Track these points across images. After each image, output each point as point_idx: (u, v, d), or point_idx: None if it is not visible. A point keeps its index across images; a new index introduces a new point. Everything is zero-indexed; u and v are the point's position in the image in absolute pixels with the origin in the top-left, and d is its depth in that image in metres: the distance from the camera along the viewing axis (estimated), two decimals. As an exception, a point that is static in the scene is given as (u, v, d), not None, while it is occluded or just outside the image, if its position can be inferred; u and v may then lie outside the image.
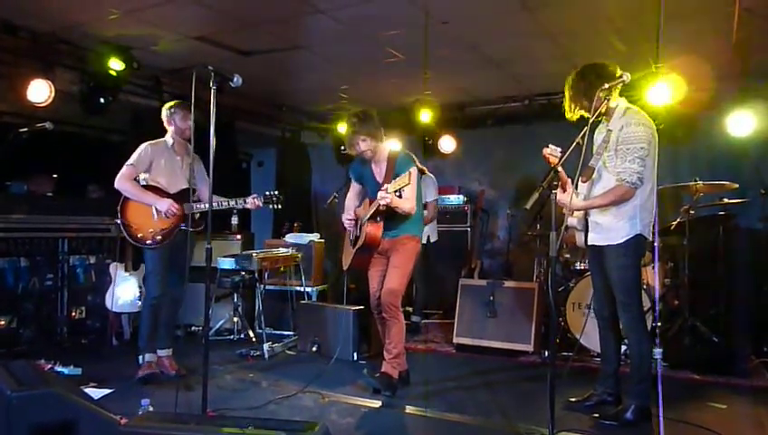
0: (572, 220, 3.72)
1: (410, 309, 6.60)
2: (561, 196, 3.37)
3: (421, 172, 6.39)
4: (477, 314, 5.34)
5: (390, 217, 4.08)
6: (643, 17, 4.50)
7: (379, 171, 4.23)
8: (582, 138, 3.08)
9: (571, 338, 5.09)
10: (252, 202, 4.33)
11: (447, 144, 7.32)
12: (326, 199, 6.96)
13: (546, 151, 3.32)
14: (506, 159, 7.41)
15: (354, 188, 4.48)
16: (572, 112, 3.51)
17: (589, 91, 3.31)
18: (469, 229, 7.23)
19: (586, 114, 3.37)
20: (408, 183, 3.71)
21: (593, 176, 3.49)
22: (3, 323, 5.07)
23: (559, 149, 3.28)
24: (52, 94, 4.93)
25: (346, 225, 4.39)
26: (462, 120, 7.38)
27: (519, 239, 7.09)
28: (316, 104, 7.42)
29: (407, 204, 3.99)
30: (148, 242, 4.29)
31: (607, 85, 3.18)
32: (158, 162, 4.38)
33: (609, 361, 3.76)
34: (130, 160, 4.33)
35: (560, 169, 3.18)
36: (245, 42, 5.15)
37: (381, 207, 3.90)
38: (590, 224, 3.59)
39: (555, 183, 3.10)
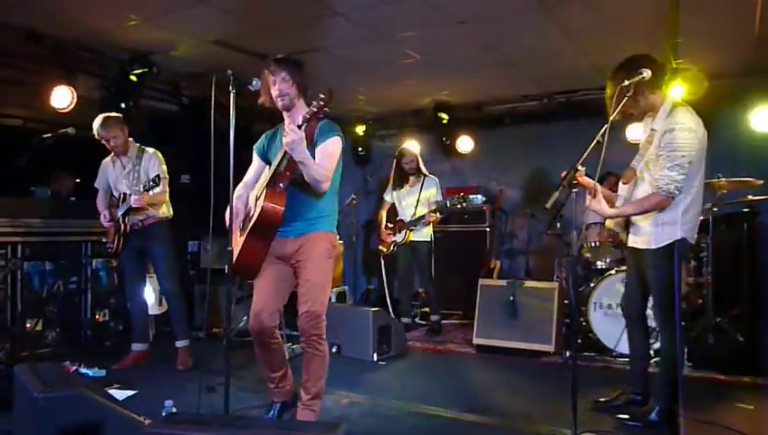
0: (611, 223, 3.61)
1: (427, 309, 6.58)
2: (591, 203, 3.30)
3: (423, 175, 6.31)
4: (497, 314, 5.30)
5: (296, 198, 3.10)
6: (662, 13, 4.46)
7: None
8: (603, 135, 3.05)
9: (592, 338, 5.04)
10: (135, 201, 4.40)
11: (465, 144, 7.30)
12: (344, 201, 6.99)
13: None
14: (525, 158, 7.38)
15: (253, 167, 3.43)
16: (613, 110, 3.24)
17: (634, 88, 3.14)
18: (488, 229, 7.19)
19: (630, 111, 3.27)
20: (329, 100, 2.85)
21: (637, 176, 3.36)
22: (28, 325, 5.15)
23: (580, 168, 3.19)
24: (75, 100, 5.01)
25: (230, 216, 3.13)
26: (479, 119, 7.36)
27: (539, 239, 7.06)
28: (333, 106, 7.42)
29: (320, 170, 3.02)
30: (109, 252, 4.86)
31: (627, 82, 3.13)
32: (107, 175, 4.80)
33: (637, 360, 3.69)
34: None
35: (582, 171, 3.12)
36: (263, 45, 5.18)
37: (287, 148, 2.89)
38: (630, 226, 3.50)
39: (575, 182, 3.07)
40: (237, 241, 3.25)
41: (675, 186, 3.12)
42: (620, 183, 3.41)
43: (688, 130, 3.13)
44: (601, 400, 3.74)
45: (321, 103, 2.83)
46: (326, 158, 3.10)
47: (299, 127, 2.85)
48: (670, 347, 3.37)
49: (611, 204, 3.40)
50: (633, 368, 3.72)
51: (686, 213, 3.23)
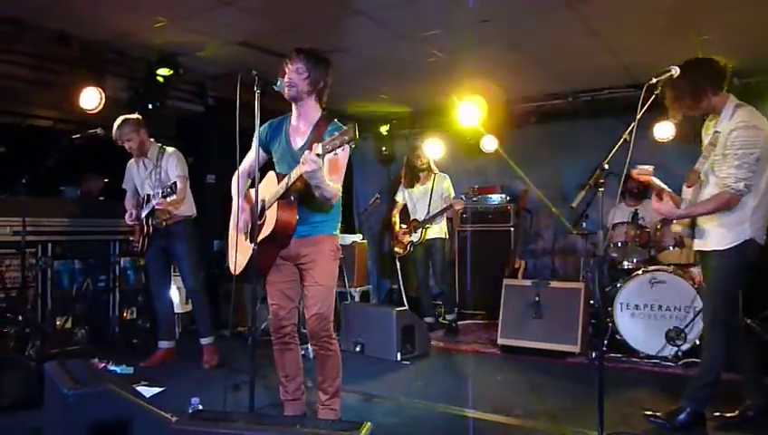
0: (677, 227, 3.51)
1: (441, 310, 6.53)
2: (658, 205, 3.26)
3: (433, 172, 6.25)
4: (522, 314, 5.27)
5: (301, 201, 3.06)
6: (689, 9, 4.38)
7: (301, 136, 3.19)
8: (630, 134, 3.01)
9: (619, 339, 4.98)
10: (156, 203, 4.46)
11: (490, 143, 7.26)
12: (367, 200, 6.99)
13: (634, 173, 3.20)
14: (550, 157, 7.30)
15: (252, 154, 3.22)
16: (675, 113, 3.31)
17: (696, 91, 3.17)
18: (512, 229, 7.14)
19: (691, 113, 3.27)
20: (354, 138, 2.64)
21: (702, 179, 3.28)
22: (58, 323, 5.25)
23: (647, 167, 3.14)
24: (103, 101, 5.08)
25: (240, 215, 3.22)
26: (504, 118, 7.29)
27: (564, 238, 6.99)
28: (357, 105, 7.45)
29: (331, 190, 2.96)
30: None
31: (654, 80, 3.09)
32: (132, 176, 4.89)
33: (745, 370, 3.48)
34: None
35: (649, 170, 3.05)
36: (287, 45, 5.14)
37: (305, 175, 2.79)
38: (696, 229, 3.38)
39: (602, 181, 3.04)
40: (242, 243, 3.20)
41: (744, 183, 3.06)
42: (684, 187, 3.33)
43: (753, 128, 3.09)
44: (727, 415, 3.50)
45: (346, 138, 2.65)
46: (335, 171, 3.03)
47: (318, 155, 2.74)
48: (711, 350, 3.28)
49: (677, 207, 3.34)
50: (745, 379, 3.51)
51: (755, 212, 3.16)
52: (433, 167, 6.27)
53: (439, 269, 6.23)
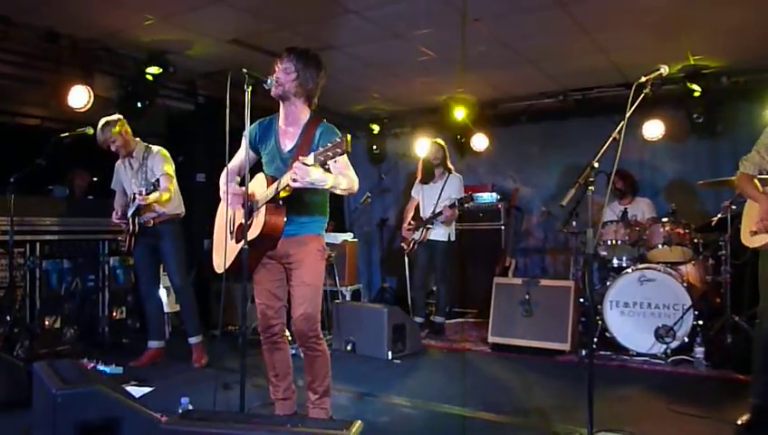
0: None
1: (432, 309, 6.50)
2: None
3: (448, 171, 6.27)
4: (513, 313, 5.28)
5: (290, 205, 3.06)
6: (679, 8, 4.41)
7: (290, 139, 3.16)
8: (619, 132, 3.02)
9: (609, 337, 5.01)
10: (139, 199, 4.36)
11: (480, 142, 7.27)
12: (358, 199, 6.98)
13: None
14: (541, 155, 7.33)
15: (241, 154, 3.25)
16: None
17: None
18: (503, 227, 7.15)
19: None
20: (347, 150, 2.63)
21: None
22: (47, 323, 5.21)
23: None
24: (92, 100, 5.04)
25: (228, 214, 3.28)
26: (495, 117, 7.32)
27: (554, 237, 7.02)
28: (349, 105, 7.44)
29: (343, 181, 2.97)
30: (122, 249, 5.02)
31: (644, 79, 3.10)
32: (120, 176, 4.86)
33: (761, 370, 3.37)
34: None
35: None
36: (278, 43, 5.15)
37: (291, 186, 2.81)
38: None
39: (591, 179, 3.04)
40: (230, 247, 3.22)
41: None
42: None
43: None
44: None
45: (339, 151, 2.63)
46: (344, 167, 3.05)
47: (306, 164, 2.71)
48: None
49: None
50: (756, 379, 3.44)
51: None
52: (449, 165, 6.13)
53: (440, 272, 6.10)
